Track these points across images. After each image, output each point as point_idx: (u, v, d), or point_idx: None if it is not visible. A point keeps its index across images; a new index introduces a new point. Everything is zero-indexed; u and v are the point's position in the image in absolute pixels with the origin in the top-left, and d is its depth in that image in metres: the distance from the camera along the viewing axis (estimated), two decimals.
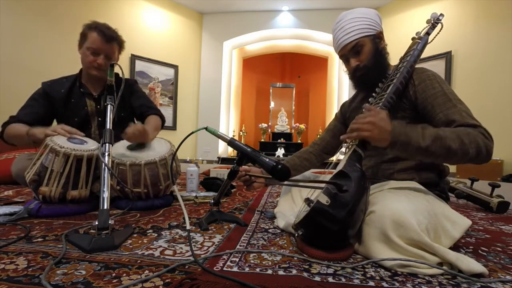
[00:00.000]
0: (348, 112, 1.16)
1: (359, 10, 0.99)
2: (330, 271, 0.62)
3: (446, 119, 0.83)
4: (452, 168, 3.52)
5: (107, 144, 0.91)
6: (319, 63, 6.17)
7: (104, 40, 1.33)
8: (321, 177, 1.10)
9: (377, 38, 0.98)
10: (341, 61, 1.05)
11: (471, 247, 0.83)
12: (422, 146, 0.75)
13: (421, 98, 0.89)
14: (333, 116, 1.28)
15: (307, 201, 0.70)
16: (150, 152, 1.27)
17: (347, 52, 0.99)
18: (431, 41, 0.98)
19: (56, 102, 1.40)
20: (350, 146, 0.84)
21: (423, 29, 0.99)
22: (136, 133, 1.24)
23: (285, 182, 1.02)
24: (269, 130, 6.15)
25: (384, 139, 0.76)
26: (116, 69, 1.09)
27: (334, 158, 0.98)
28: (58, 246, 0.73)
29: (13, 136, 1.27)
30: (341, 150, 0.88)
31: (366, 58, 0.96)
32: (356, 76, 1.00)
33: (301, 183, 1.01)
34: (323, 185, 0.73)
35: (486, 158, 0.77)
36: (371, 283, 0.57)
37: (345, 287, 0.55)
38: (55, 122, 1.44)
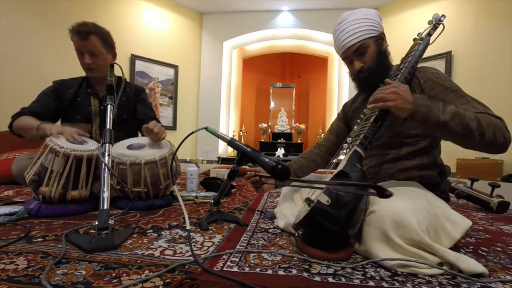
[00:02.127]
0: (350, 112, 1.16)
1: (361, 11, 0.98)
2: (330, 271, 0.62)
3: None
4: (453, 168, 3.52)
5: (107, 144, 0.91)
6: (319, 63, 6.17)
7: (79, 38, 1.32)
8: (322, 177, 1.10)
9: (380, 39, 0.97)
10: (342, 62, 1.04)
11: (471, 247, 0.83)
12: (441, 120, 0.74)
13: (429, 96, 0.89)
14: (333, 116, 1.29)
15: (308, 201, 0.70)
16: (150, 152, 1.27)
17: (351, 54, 0.97)
18: (433, 42, 0.98)
19: (63, 101, 1.43)
20: (350, 147, 0.84)
21: (424, 30, 0.99)
22: (155, 131, 1.28)
23: (294, 183, 1.01)
24: (269, 130, 6.15)
25: (405, 109, 0.76)
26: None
27: (334, 160, 0.97)
28: (58, 246, 0.73)
29: (22, 128, 1.28)
30: (342, 150, 0.88)
31: (370, 60, 0.96)
32: (360, 78, 0.99)
33: (310, 184, 0.99)
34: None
35: (502, 146, 0.76)
36: (371, 283, 0.57)
37: (345, 287, 0.55)
38: (59, 122, 1.46)
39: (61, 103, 1.43)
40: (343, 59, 1.02)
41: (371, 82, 0.97)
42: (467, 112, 0.76)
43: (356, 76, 1.00)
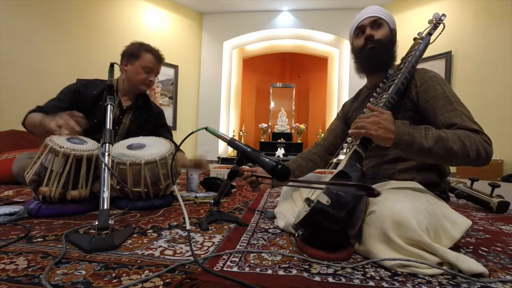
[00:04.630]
0: (350, 111, 1.16)
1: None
2: (330, 271, 0.62)
3: (446, 122, 0.83)
4: (452, 168, 3.52)
5: (107, 144, 0.91)
6: (319, 63, 6.17)
7: (157, 61, 1.57)
8: (322, 177, 1.10)
9: (393, 31, 1.02)
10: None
11: (471, 247, 0.83)
12: (425, 147, 0.75)
13: (422, 100, 0.89)
14: (333, 116, 1.29)
15: (307, 201, 0.70)
16: (150, 152, 1.27)
17: (367, 23, 1.00)
18: (433, 41, 0.98)
19: (85, 101, 1.46)
20: (350, 146, 0.84)
21: (425, 30, 0.99)
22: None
23: (291, 183, 1.02)
24: (269, 130, 6.15)
25: (388, 139, 0.76)
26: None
27: (334, 159, 0.97)
28: (58, 246, 0.73)
29: (31, 125, 1.31)
30: (342, 150, 0.89)
31: (381, 35, 0.99)
32: (366, 49, 1.00)
33: (306, 184, 1.00)
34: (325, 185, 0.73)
35: (485, 161, 0.78)
36: (371, 283, 0.57)
37: (345, 287, 0.55)
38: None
39: (81, 102, 1.45)
40: (355, 30, 1.04)
41: (375, 56, 0.98)
42: (449, 133, 0.77)
43: (362, 47, 1.01)
